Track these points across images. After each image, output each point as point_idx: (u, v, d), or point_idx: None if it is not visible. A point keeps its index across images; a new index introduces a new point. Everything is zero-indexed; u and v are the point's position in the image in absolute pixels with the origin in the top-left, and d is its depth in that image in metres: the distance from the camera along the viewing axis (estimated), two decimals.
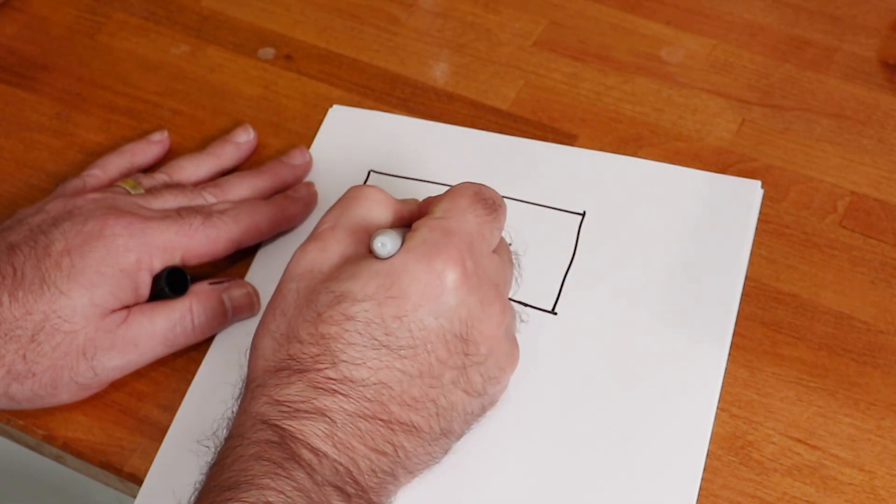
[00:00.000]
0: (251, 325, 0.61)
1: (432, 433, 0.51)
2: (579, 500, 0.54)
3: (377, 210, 0.54)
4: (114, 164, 0.66)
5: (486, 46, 0.73)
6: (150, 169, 0.67)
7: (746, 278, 0.61)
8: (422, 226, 0.51)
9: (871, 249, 0.63)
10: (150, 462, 0.57)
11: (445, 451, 0.52)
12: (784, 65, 0.71)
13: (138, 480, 0.57)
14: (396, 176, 0.67)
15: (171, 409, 0.59)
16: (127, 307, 0.58)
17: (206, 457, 0.56)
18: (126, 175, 0.65)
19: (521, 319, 0.58)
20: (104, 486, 0.60)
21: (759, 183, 0.64)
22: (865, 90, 0.69)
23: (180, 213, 0.60)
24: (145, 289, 0.58)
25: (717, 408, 0.57)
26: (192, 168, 0.66)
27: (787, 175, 0.66)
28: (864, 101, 0.69)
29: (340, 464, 0.48)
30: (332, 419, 0.48)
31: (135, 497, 0.56)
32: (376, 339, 0.49)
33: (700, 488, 0.55)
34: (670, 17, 0.74)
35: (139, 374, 0.60)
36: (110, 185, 0.63)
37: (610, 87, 0.71)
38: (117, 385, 0.59)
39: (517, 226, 0.64)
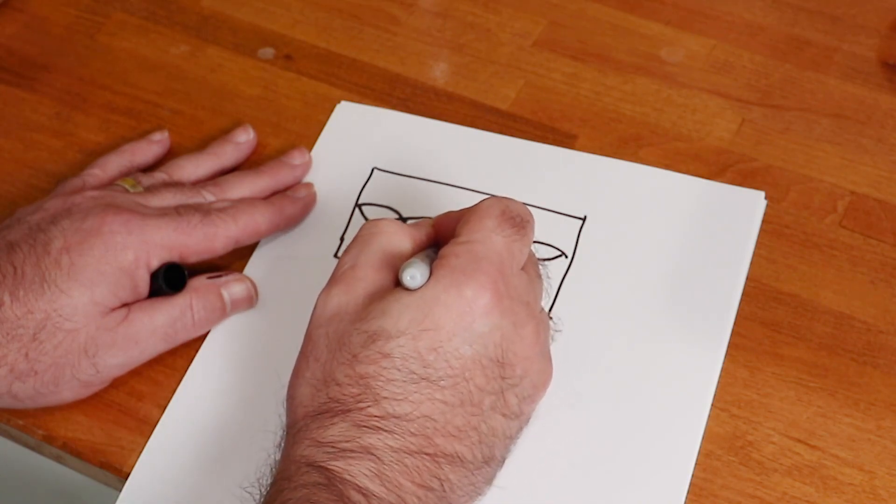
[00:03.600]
0: (248, 317, 0.62)
1: (475, 462, 0.50)
2: (572, 496, 0.54)
3: (396, 240, 0.53)
4: (113, 164, 0.66)
5: (486, 46, 0.73)
6: (149, 168, 0.67)
7: (746, 278, 0.61)
8: (449, 253, 0.51)
9: (870, 249, 0.63)
10: None
11: (488, 482, 0.52)
12: (784, 65, 0.71)
13: None
14: (400, 175, 0.67)
15: None
16: (126, 305, 0.58)
17: (195, 452, 0.57)
18: (126, 174, 0.65)
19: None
20: (104, 486, 0.60)
21: (762, 194, 0.64)
22: (865, 90, 0.69)
23: (179, 210, 0.60)
24: (144, 286, 0.58)
25: (717, 408, 0.57)
26: (192, 167, 0.66)
27: (787, 175, 0.66)
28: (864, 101, 0.69)
29: (389, 503, 0.47)
30: (378, 457, 0.47)
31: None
32: (415, 373, 0.48)
33: (700, 488, 0.55)
34: (670, 17, 0.74)
35: (139, 373, 0.60)
36: (110, 183, 0.63)
37: (610, 87, 0.71)
38: (117, 385, 0.60)
39: None
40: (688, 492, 0.55)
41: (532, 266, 0.54)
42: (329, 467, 0.47)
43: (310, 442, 0.48)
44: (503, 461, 0.52)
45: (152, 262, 0.58)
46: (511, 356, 0.50)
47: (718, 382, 0.58)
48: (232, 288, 0.61)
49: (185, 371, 0.60)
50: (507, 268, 0.51)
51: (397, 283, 0.51)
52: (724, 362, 0.59)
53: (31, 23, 0.77)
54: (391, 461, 0.47)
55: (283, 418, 0.51)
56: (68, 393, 0.58)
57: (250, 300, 0.62)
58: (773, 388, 0.58)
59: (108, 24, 0.77)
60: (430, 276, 0.50)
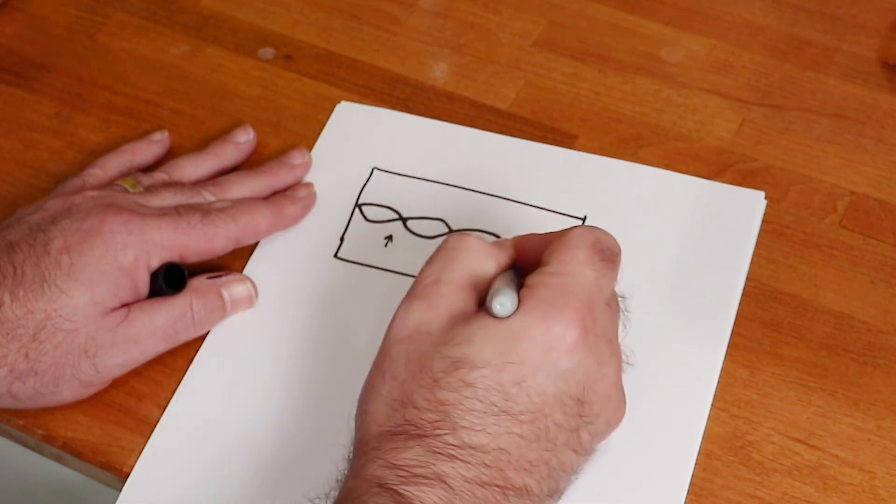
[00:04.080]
0: (248, 317, 0.62)
1: (541, 495, 0.49)
2: (572, 496, 0.54)
3: (481, 261, 0.52)
4: (113, 164, 0.66)
5: (486, 46, 0.73)
6: (149, 168, 0.67)
7: (746, 278, 0.61)
8: (538, 283, 0.49)
9: (870, 249, 0.63)
10: None
11: None
12: (784, 65, 0.71)
13: None
14: (400, 175, 0.67)
15: None
16: (126, 305, 0.58)
17: (195, 452, 0.57)
18: (126, 174, 0.65)
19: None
20: (104, 486, 0.60)
21: (762, 194, 0.64)
22: (865, 90, 0.69)
23: (179, 210, 0.60)
24: (144, 286, 0.58)
25: (717, 408, 0.57)
26: (192, 167, 0.66)
27: (787, 175, 0.66)
28: (864, 101, 0.69)
29: None
30: (450, 486, 0.46)
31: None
32: (495, 405, 0.48)
33: (700, 488, 0.55)
34: (670, 17, 0.74)
35: (139, 373, 0.60)
36: (110, 183, 0.63)
37: (610, 87, 0.71)
38: (117, 385, 0.59)
39: (519, 228, 0.64)
40: (688, 492, 0.55)
41: (613, 300, 0.53)
42: (400, 491, 0.46)
43: (382, 462, 0.47)
44: (563, 494, 0.51)
45: (152, 262, 0.58)
46: (591, 395, 0.49)
47: (718, 382, 0.58)
48: (232, 288, 0.61)
49: (185, 371, 0.60)
50: (596, 303, 0.50)
51: (480, 305, 0.50)
52: (724, 362, 0.59)
53: (31, 23, 0.77)
54: (462, 491, 0.46)
55: (353, 432, 0.51)
56: (68, 393, 0.57)
57: (250, 300, 0.62)
58: (773, 388, 0.58)
59: (108, 24, 0.77)
60: (518, 305, 0.49)
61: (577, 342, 0.48)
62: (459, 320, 0.49)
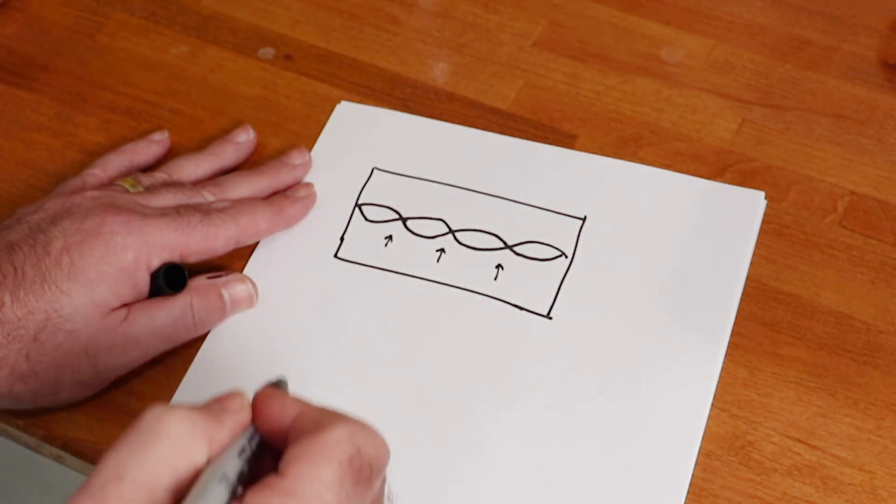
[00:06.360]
0: (248, 317, 0.62)
1: None
2: (573, 496, 0.54)
3: (183, 449, 0.39)
4: (114, 164, 0.66)
5: (486, 46, 0.73)
6: (149, 169, 0.67)
7: (746, 278, 0.61)
8: (259, 502, 0.37)
9: (870, 249, 0.63)
10: None
11: None
12: (784, 65, 0.71)
13: None
14: (400, 175, 0.67)
15: None
16: (127, 305, 0.58)
17: None
18: (126, 174, 0.65)
19: None
20: None
21: (762, 194, 0.64)
22: (865, 90, 0.69)
23: (179, 210, 0.60)
24: (144, 287, 0.58)
25: (717, 408, 0.57)
26: (192, 167, 0.66)
27: (787, 175, 0.66)
28: (864, 101, 0.69)
29: None
30: None
31: None
32: None
33: (700, 488, 0.55)
34: (670, 17, 0.74)
35: (139, 373, 0.60)
36: (110, 183, 0.63)
37: (610, 87, 0.71)
38: (117, 385, 0.59)
39: (519, 228, 0.64)
40: (688, 492, 0.55)
41: None
42: None
43: None
44: None
45: (152, 262, 0.58)
46: None
47: (718, 382, 0.58)
48: (232, 288, 0.61)
49: (185, 371, 0.60)
50: None
51: None
52: (724, 362, 0.59)
53: (31, 23, 0.77)
54: None
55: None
56: (69, 394, 0.57)
57: (250, 300, 0.62)
58: (773, 388, 0.58)
59: (108, 24, 0.77)
60: None
61: None
62: None
